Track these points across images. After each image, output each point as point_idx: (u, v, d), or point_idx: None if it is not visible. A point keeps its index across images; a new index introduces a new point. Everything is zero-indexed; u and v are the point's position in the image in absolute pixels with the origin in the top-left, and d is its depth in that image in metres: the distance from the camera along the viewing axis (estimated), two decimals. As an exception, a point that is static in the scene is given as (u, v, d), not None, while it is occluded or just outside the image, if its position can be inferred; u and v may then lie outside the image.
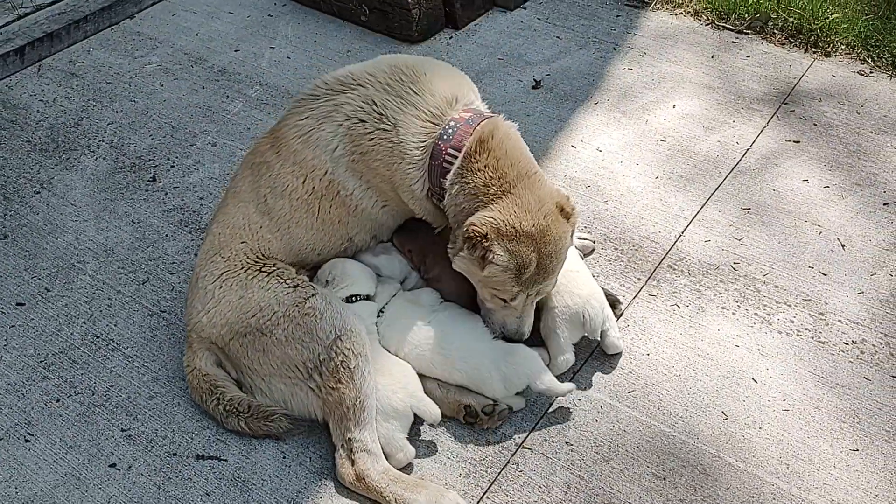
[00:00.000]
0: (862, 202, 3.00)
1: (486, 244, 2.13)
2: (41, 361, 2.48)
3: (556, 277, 2.27)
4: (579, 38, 3.90)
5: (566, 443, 2.26)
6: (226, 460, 2.22)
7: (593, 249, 2.80)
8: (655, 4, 4.10)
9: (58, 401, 2.38)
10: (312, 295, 2.20)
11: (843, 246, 2.83)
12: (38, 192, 3.08)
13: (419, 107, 2.25)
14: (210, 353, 2.27)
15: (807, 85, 3.57)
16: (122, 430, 2.30)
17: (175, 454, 2.24)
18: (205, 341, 2.26)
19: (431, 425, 2.25)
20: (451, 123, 2.24)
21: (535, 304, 2.32)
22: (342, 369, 2.11)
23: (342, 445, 2.12)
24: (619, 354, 2.47)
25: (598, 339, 2.42)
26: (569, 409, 2.34)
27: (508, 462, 2.22)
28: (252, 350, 2.19)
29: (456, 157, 2.20)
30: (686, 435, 2.28)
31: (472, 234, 2.13)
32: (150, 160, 3.23)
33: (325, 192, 2.31)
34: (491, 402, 2.27)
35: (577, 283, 2.41)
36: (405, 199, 2.32)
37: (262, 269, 2.26)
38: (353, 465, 2.10)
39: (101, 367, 2.47)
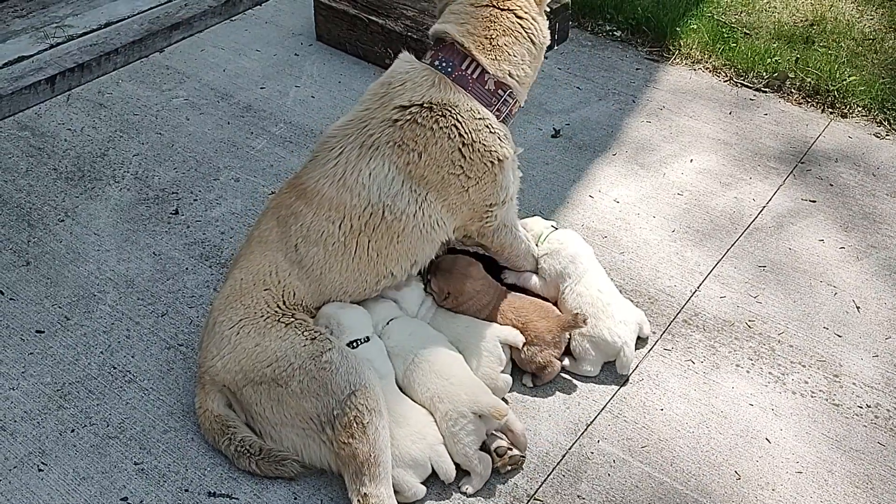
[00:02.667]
0: (877, 264, 3.02)
1: None
2: (58, 390, 2.50)
3: None
4: (599, 90, 3.96)
5: (578, 496, 2.26)
6: (237, 499, 2.22)
7: None
8: (675, 59, 4.17)
9: (72, 431, 2.39)
10: (329, 349, 2.21)
11: (857, 308, 2.85)
12: (62, 220, 3.12)
13: (430, 78, 2.37)
14: (221, 395, 2.28)
15: (823, 145, 3.61)
16: (136, 464, 2.30)
17: (187, 490, 2.24)
18: (217, 384, 2.27)
19: (444, 481, 2.24)
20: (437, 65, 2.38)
21: None
22: (355, 424, 2.11)
23: (357, 500, 2.11)
24: (634, 409, 2.48)
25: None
26: (582, 461, 2.34)
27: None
28: (266, 399, 2.20)
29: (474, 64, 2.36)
30: (699, 493, 2.27)
31: None
32: (173, 193, 3.27)
33: (363, 228, 2.34)
34: (504, 444, 2.27)
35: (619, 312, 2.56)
36: (476, 150, 2.36)
37: (281, 320, 2.28)
38: (369, 519, 2.09)
39: (117, 398, 2.48)
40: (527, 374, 2.54)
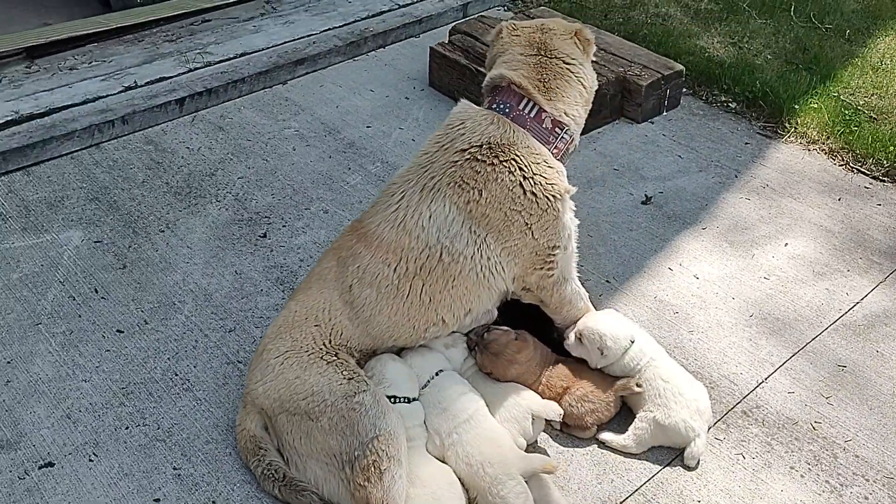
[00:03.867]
0: (976, 382, 2.76)
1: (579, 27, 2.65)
2: (122, 388, 2.69)
3: None
4: (701, 160, 3.86)
5: (591, 577, 2.18)
6: (257, 519, 2.31)
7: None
8: (789, 137, 4.00)
9: (126, 428, 2.56)
10: (364, 391, 2.27)
11: (944, 425, 2.60)
12: (162, 231, 3.38)
13: (489, 119, 2.46)
14: (260, 417, 2.38)
15: (939, 244, 3.35)
16: (174, 469, 2.44)
17: (214, 502, 2.35)
18: (257, 407, 2.37)
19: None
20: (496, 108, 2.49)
21: None
22: (373, 469, 2.14)
23: None
24: (669, 496, 2.37)
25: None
26: (602, 541, 2.26)
27: (527, 584, 2.16)
28: (296, 430, 2.28)
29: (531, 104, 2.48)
30: None
31: (577, 32, 2.64)
32: (265, 217, 3.47)
33: (419, 271, 2.40)
34: None
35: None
36: (536, 189, 2.41)
37: (324, 357, 2.35)
38: (374, 564, 2.11)
39: (172, 404, 2.64)
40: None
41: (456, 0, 5.28)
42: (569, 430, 2.52)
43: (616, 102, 4.12)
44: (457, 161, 2.40)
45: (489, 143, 2.39)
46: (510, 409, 2.41)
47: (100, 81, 4.44)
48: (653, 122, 4.14)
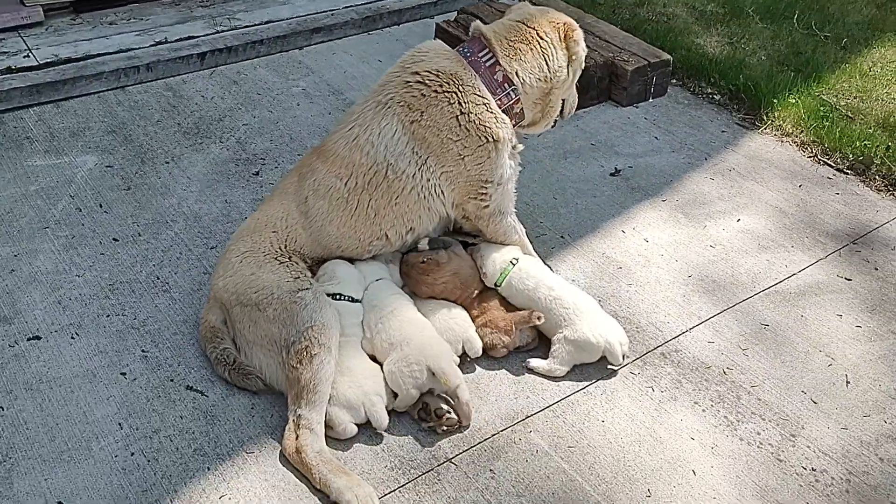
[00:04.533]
0: (891, 351, 2.93)
1: (571, 25, 2.80)
2: (110, 285, 3.03)
3: None
4: (675, 143, 4.08)
5: (490, 470, 2.43)
6: (207, 396, 2.61)
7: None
8: (765, 129, 4.20)
9: (107, 316, 2.90)
10: (306, 289, 2.56)
11: (847, 383, 2.79)
12: (167, 163, 3.73)
13: (446, 55, 2.74)
14: (220, 311, 2.69)
15: (886, 233, 3.51)
16: (143, 351, 2.76)
17: (172, 380, 2.66)
18: (218, 301, 2.69)
19: (376, 430, 2.50)
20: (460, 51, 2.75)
21: None
22: (305, 353, 2.43)
23: (293, 419, 2.42)
24: (576, 414, 2.61)
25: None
26: (507, 444, 2.51)
27: (432, 469, 2.42)
28: (247, 319, 2.58)
29: (491, 56, 2.71)
30: (604, 498, 2.37)
31: (566, 30, 2.78)
32: (261, 159, 3.80)
33: (366, 186, 2.68)
34: (443, 407, 2.50)
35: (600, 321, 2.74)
36: (472, 123, 2.66)
37: (278, 258, 2.66)
38: (296, 438, 2.39)
39: (150, 301, 2.97)
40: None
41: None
42: (494, 354, 2.77)
43: (604, 85, 4.36)
44: (408, 82, 2.68)
45: (438, 71, 2.67)
46: (445, 333, 2.67)
47: (134, 36, 4.84)
48: (637, 107, 4.38)
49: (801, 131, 4.13)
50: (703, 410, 2.67)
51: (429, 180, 2.70)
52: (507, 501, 2.35)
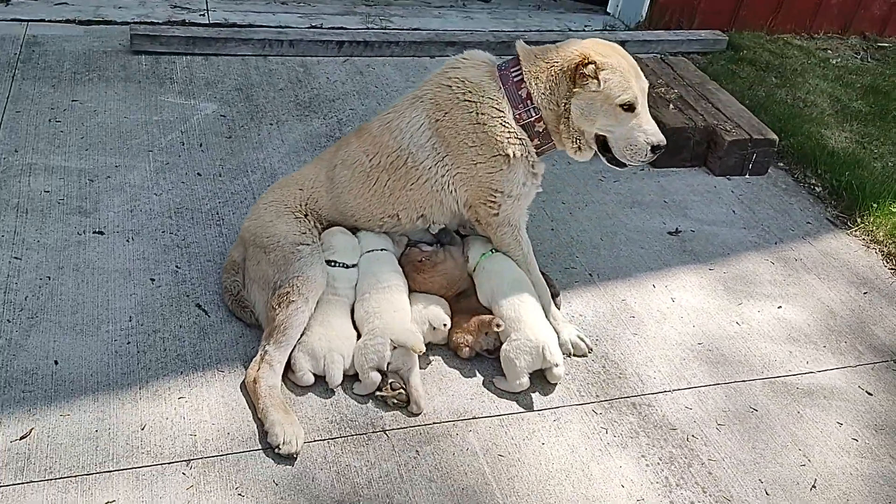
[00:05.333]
0: (878, 472, 2.75)
1: (591, 60, 2.72)
2: (177, 208, 3.46)
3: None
4: (751, 221, 3.99)
5: (416, 450, 2.57)
6: (208, 316, 2.95)
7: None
8: (855, 231, 4.01)
9: (162, 232, 3.32)
10: (307, 244, 2.84)
11: (813, 487, 2.66)
12: (271, 124, 4.17)
13: (479, 66, 2.91)
14: (242, 248, 3.02)
15: (939, 361, 3.27)
16: (176, 267, 3.15)
17: (187, 295, 3.02)
18: (242, 239, 3.02)
19: (328, 384, 2.71)
20: (500, 63, 2.90)
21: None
22: (285, 298, 2.69)
23: (260, 353, 2.68)
24: (521, 430, 2.69)
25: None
26: (443, 434, 2.64)
27: (365, 433, 2.60)
28: (254, 258, 2.88)
29: (520, 72, 2.82)
30: (507, 508, 2.45)
31: (581, 60, 2.73)
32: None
33: (388, 165, 2.92)
34: (399, 382, 2.68)
35: (538, 324, 2.81)
36: (489, 133, 2.81)
37: (295, 213, 2.96)
38: (257, 370, 2.64)
39: (202, 229, 3.37)
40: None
41: (613, 35, 5.71)
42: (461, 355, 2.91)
43: (700, 150, 4.34)
44: (441, 84, 2.90)
45: (466, 79, 2.86)
46: (416, 310, 2.87)
47: (297, 17, 5.41)
48: (730, 179, 4.32)
49: (893, 243, 3.90)
50: (647, 465, 2.65)
51: (443, 176, 2.90)
52: (419, 481, 2.48)
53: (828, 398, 3.03)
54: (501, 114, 2.84)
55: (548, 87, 2.82)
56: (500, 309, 2.86)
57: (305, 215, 2.99)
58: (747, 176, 4.35)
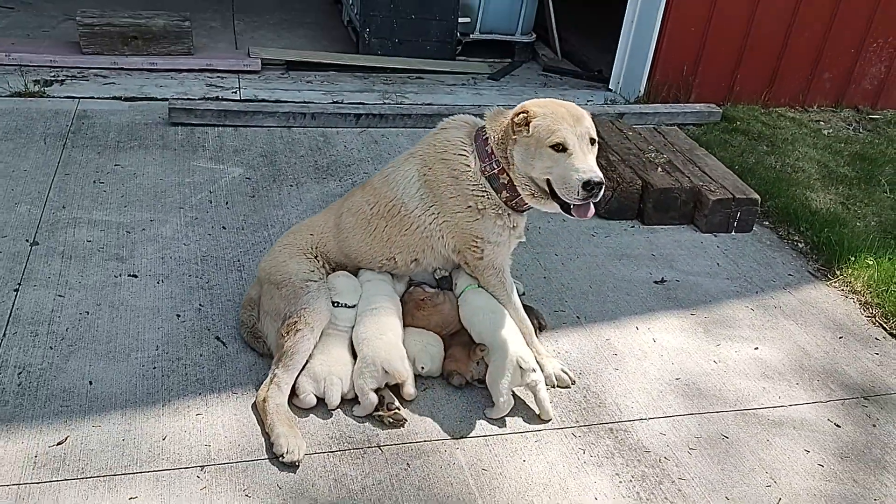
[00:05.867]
0: (841, 495, 2.94)
1: (525, 111, 3.00)
2: (202, 256, 3.84)
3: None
4: (735, 273, 4.27)
5: (407, 463, 2.84)
6: (226, 346, 3.28)
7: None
8: (834, 282, 4.26)
9: (189, 276, 3.69)
10: (315, 281, 3.19)
11: (776, 505, 2.86)
12: (291, 185, 4.59)
13: (461, 127, 3.25)
14: (259, 286, 3.37)
15: (908, 398, 3.47)
16: (200, 306, 3.50)
17: (208, 329, 3.37)
18: (258, 278, 3.38)
19: (328, 406, 3.01)
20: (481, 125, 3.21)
21: (593, 154, 3.02)
22: (293, 327, 3.01)
23: (270, 376, 2.99)
24: (505, 448, 2.94)
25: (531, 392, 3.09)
26: (431, 451, 2.90)
27: (361, 448, 2.88)
28: (268, 293, 3.23)
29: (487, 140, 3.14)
30: (488, 515, 2.68)
31: (516, 114, 3.01)
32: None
33: (385, 213, 3.27)
34: (396, 404, 2.97)
35: (511, 343, 3.11)
36: (461, 185, 3.13)
37: (306, 254, 3.32)
38: (266, 390, 2.95)
39: (225, 275, 3.73)
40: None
41: (612, 108, 6.14)
42: (453, 382, 3.20)
43: (687, 209, 4.66)
44: (430, 141, 3.27)
45: (447, 139, 3.23)
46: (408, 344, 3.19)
47: (320, 94, 5.94)
48: (716, 235, 4.62)
49: (870, 292, 4.14)
50: (621, 482, 2.88)
51: (431, 223, 3.23)
52: (408, 490, 2.74)
53: (797, 429, 3.24)
54: (468, 168, 3.16)
55: (501, 140, 3.12)
56: (480, 336, 3.16)
57: (315, 256, 3.34)
58: (733, 233, 4.64)
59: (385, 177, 3.35)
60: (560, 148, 2.96)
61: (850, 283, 4.22)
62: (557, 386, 3.29)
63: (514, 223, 3.26)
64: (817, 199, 5.05)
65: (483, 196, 3.18)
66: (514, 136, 3.04)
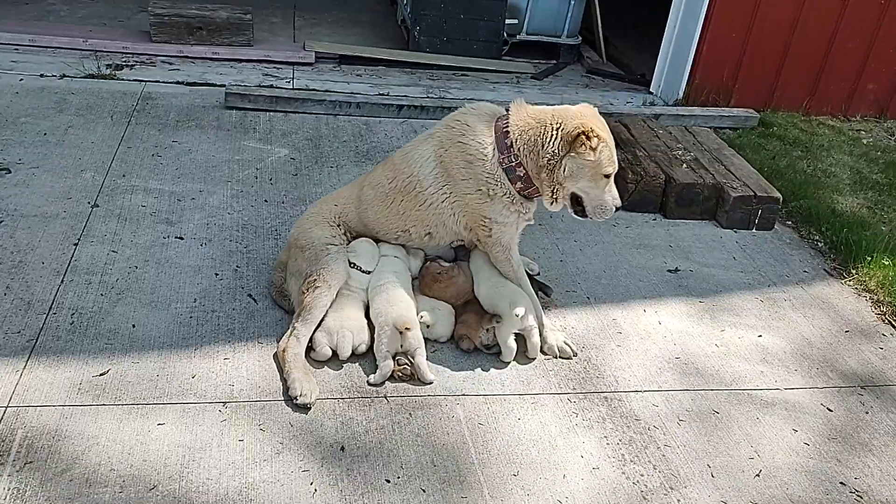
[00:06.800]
0: (822, 471, 3.07)
1: (595, 133, 3.20)
2: (244, 224, 4.18)
3: None
4: (749, 267, 4.39)
5: (409, 413, 3.09)
6: (257, 303, 3.59)
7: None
8: (849, 280, 4.34)
9: (230, 240, 4.03)
10: (336, 246, 3.47)
11: (757, 475, 3.01)
12: (332, 167, 4.91)
13: (482, 114, 3.46)
14: (288, 250, 3.67)
15: (906, 390, 3.56)
16: (237, 267, 3.82)
17: (242, 287, 3.68)
18: (289, 243, 3.68)
19: (339, 356, 3.28)
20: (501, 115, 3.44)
21: None
22: (312, 284, 3.30)
23: (290, 329, 3.28)
24: (505, 409, 3.17)
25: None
26: (434, 404, 3.15)
27: (369, 397, 3.14)
28: (293, 255, 3.52)
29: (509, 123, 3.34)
30: (479, 462, 2.91)
31: (584, 130, 3.18)
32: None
33: (402, 188, 3.51)
34: (406, 362, 3.23)
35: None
36: (475, 170, 3.35)
37: (329, 223, 3.60)
38: (287, 341, 3.25)
39: (262, 241, 4.05)
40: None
41: (650, 110, 6.28)
42: (462, 346, 3.44)
43: (709, 205, 4.80)
44: (449, 124, 3.51)
45: (466, 122, 3.46)
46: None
47: (367, 86, 6.25)
48: (736, 231, 4.74)
49: (883, 291, 4.22)
50: (608, 444, 3.07)
51: (443, 201, 3.47)
52: (408, 435, 2.99)
53: (789, 410, 3.37)
54: (484, 156, 3.36)
55: (534, 140, 3.29)
56: (488, 297, 3.43)
57: (338, 225, 3.63)
58: (753, 230, 4.76)
59: (405, 154, 3.60)
60: (608, 176, 3.31)
61: (864, 282, 4.31)
62: (560, 357, 3.49)
63: (525, 209, 3.48)
64: (844, 203, 5.12)
65: (496, 184, 3.38)
66: (573, 153, 3.23)
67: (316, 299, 3.29)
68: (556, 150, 3.26)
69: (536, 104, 3.51)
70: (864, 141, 6.29)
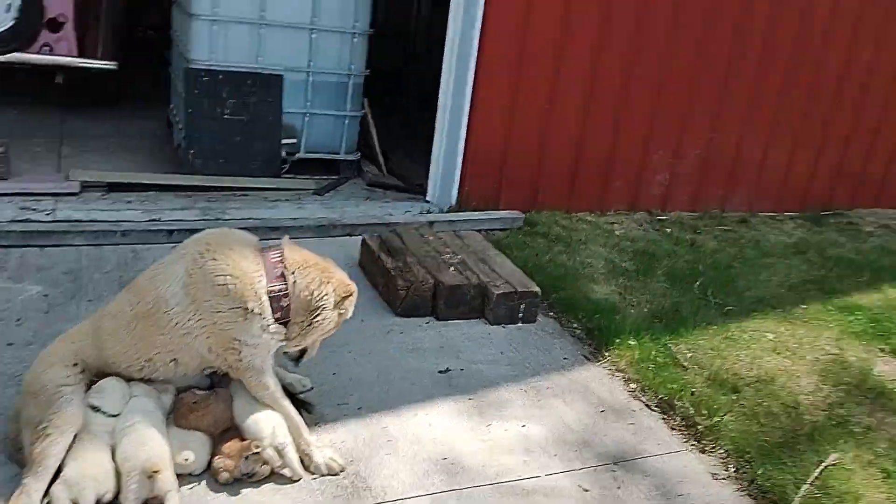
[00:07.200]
0: (581, 551, 3.21)
1: (352, 294, 3.49)
2: (-18, 372, 3.85)
3: None
4: (516, 359, 4.61)
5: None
6: (-11, 459, 3.28)
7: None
8: (603, 363, 4.68)
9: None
10: (70, 387, 3.24)
11: (517, 566, 3.09)
12: (90, 301, 4.67)
13: (238, 235, 3.53)
14: (22, 396, 3.37)
15: (652, 463, 3.82)
16: (-31, 420, 3.50)
17: (-27, 443, 3.36)
18: (22, 390, 3.39)
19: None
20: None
21: None
22: (42, 432, 3.06)
23: (20, 485, 2.99)
24: None
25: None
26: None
27: None
28: (26, 403, 3.23)
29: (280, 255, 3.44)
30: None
31: (352, 292, 3.49)
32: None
33: (144, 314, 3.36)
34: None
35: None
36: (231, 290, 3.31)
37: (64, 363, 3.35)
38: (17, 499, 2.95)
39: (3, 390, 3.74)
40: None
41: (425, 218, 6.61)
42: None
43: (476, 304, 5.04)
44: (201, 240, 3.45)
45: (223, 242, 3.41)
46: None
47: (139, 213, 6.09)
48: (504, 327, 5.00)
49: (632, 369, 4.58)
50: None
51: (189, 322, 3.39)
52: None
53: (548, 496, 3.52)
54: (252, 278, 3.35)
55: (311, 280, 3.41)
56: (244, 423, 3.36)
57: (74, 364, 3.37)
58: (519, 324, 5.04)
59: (151, 276, 3.49)
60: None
61: (616, 363, 4.66)
62: (328, 474, 3.45)
63: (280, 332, 3.45)
64: (599, 291, 5.57)
65: (256, 302, 3.34)
66: (340, 311, 3.54)
67: (47, 448, 3.05)
68: (326, 302, 3.44)
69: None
70: (617, 232, 6.94)
